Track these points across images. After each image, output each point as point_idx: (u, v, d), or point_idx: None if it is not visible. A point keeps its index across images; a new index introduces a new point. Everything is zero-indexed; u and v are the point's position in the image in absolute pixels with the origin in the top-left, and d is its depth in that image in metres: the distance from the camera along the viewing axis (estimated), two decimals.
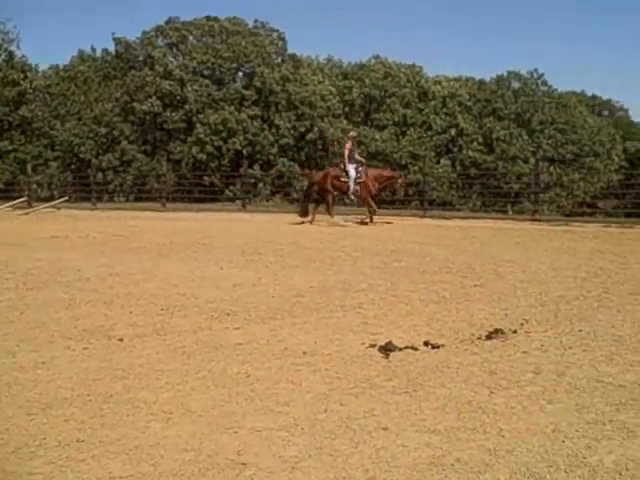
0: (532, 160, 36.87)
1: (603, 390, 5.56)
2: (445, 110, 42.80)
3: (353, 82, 44.08)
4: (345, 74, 46.18)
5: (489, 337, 7.22)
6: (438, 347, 6.88)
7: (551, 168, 39.86)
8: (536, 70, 46.25)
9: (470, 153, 41.12)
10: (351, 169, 19.17)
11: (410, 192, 29.96)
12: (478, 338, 7.20)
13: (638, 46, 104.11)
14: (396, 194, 21.16)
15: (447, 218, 22.13)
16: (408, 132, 41.59)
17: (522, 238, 15.70)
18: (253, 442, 4.66)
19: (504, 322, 7.86)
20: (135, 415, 5.17)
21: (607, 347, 6.79)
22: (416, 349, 6.80)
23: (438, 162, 40.18)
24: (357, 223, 19.34)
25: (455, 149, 41.81)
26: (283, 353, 6.73)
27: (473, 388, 5.66)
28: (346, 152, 19.57)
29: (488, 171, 37.84)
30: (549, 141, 42.91)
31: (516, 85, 45.88)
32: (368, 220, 19.28)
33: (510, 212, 30.07)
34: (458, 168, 39.64)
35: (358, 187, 19.13)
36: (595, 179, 40.27)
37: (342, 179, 19.26)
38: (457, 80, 46.44)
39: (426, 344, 6.96)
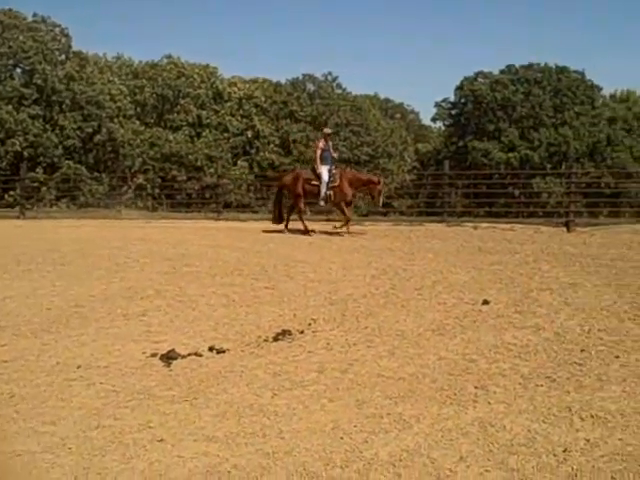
0: None
1: (383, 384, 5.78)
2: (241, 112, 43.09)
3: (145, 81, 43.21)
4: (136, 73, 45.15)
5: (276, 339, 7.28)
6: (223, 352, 6.84)
7: (347, 169, 41.36)
8: (330, 73, 47.93)
9: (267, 155, 41.73)
10: (324, 171, 17.02)
11: (206, 195, 29.88)
12: (265, 340, 7.24)
13: (426, 51, 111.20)
14: (374, 201, 17.69)
15: (242, 220, 22.23)
16: (203, 134, 41.42)
17: (316, 238, 16.07)
18: (11, 469, 4.35)
19: (292, 323, 7.96)
20: None
21: (390, 342, 7.08)
22: (200, 355, 6.71)
23: (235, 164, 40.37)
24: (333, 230, 17.17)
25: (252, 151, 42.19)
26: (54, 368, 6.37)
27: (256, 391, 5.66)
28: (317, 152, 17.44)
29: (285, 173, 38.51)
30: (344, 143, 44.53)
31: (311, 88, 47.23)
32: (344, 229, 16.92)
33: (308, 213, 30.73)
34: (256, 170, 40.04)
35: (331, 192, 17.01)
36: (389, 180, 42.26)
37: (314, 182, 17.15)
38: (253, 82, 46.94)
39: (211, 349, 6.89)
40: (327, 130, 18.79)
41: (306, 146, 42.83)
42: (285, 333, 7.44)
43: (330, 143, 17.72)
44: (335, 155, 17.82)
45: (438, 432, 4.77)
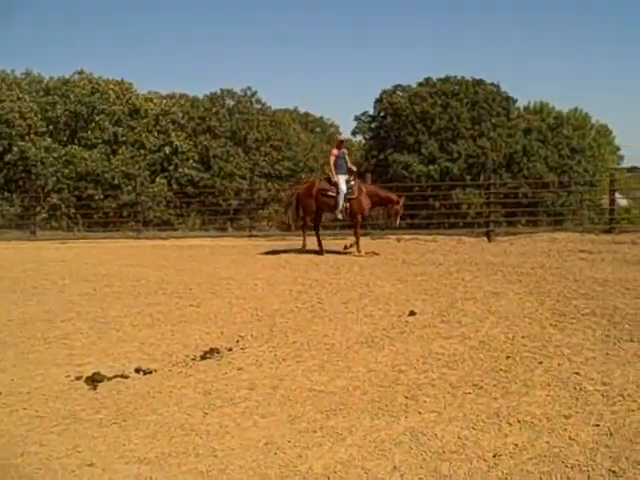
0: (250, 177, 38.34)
1: (315, 398, 5.85)
2: (158, 128, 42.64)
3: (57, 98, 42.26)
4: (47, 90, 44.11)
5: (204, 357, 7.28)
6: (150, 372, 6.80)
7: (268, 184, 41.58)
8: (249, 88, 47.95)
9: (186, 171, 41.40)
10: (341, 181, 15.71)
11: (124, 213, 29.52)
12: (193, 359, 7.22)
13: (347, 64, 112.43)
14: (390, 220, 16.01)
15: (164, 238, 22.02)
16: (120, 151, 40.79)
17: (239, 255, 16.06)
18: None
19: (220, 340, 7.96)
20: None
21: (319, 356, 7.16)
22: (127, 377, 6.65)
23: (153, 181, 39.93)
24: (344, 250, 15.93)
25: (171, 167, 41.77)
26: None
27: (186, 411, 5.65)
28: (332, 159, 15.96)
29: (206, 189, 38.35)
30: (265, 158, 44.64)
31: (230, 103, 47.16)
32: (353, 246, 15.84)
33: (230, 229, 30.68)
34: (175, 186, 39.69)
35: (348, 204, 15.71)
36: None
37: (330, 193, 15.76)
38: (170, 97, 46.55)
39: (138, 371, 6.84)
40: (341, 136, 17.23)
41: (226, 161, 42.75)
42: (213, 351, 7.45)
43: (345, 151, 16.38)
44: (351, 166, 16.35)
45: (371, 443, 4.86)
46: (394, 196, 16.09)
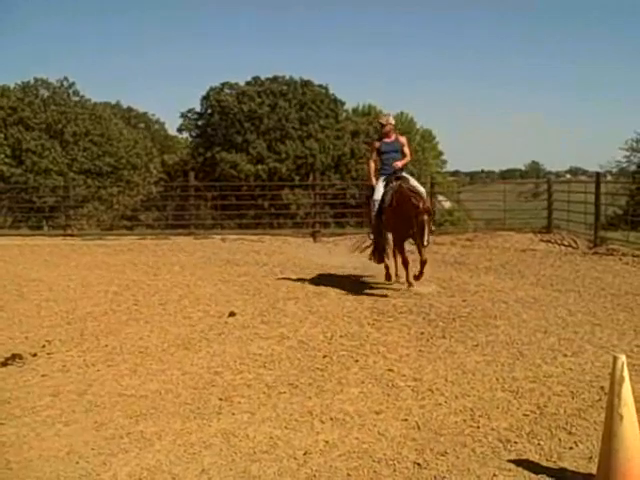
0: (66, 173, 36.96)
1: (124, 403, 5.72)
2: None
3: None
4: None
5: (4, 364, 6.93)
6: None
7: (88, 181, 40.25)
8: (66, 78, 46.16)
9: None
10: (379, 185, 11.06)
11: None
12: None
13: (171, 60, 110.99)
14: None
15: None
16: None
17: (52, 255, 15.40)
18: None
19: (24, 346, 7.61)
20: None
21: (132, 360, 7.01)
22: None
23: None
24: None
25: None
26: None
27: None
28: (372, 157, 11.47)
29: (18, 185, 36.54)
30: (84, 153, 43.16)
31: (45, 93, 45.23)
32: (411, 280, 10.49)
33: (46, 228, 29.43)
34: None
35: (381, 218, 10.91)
36: (134, 192, 41.57)
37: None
38: None
39: None
40: (386, 119, 11.53)
41: (41, 156, 40.95)
42: (15, 357, 7.10)
43: (399, 140, 11.33)
44: (406, 152, 11.27)
45: (180, 447, 4.82)
46: (416, 199, 10.10)
